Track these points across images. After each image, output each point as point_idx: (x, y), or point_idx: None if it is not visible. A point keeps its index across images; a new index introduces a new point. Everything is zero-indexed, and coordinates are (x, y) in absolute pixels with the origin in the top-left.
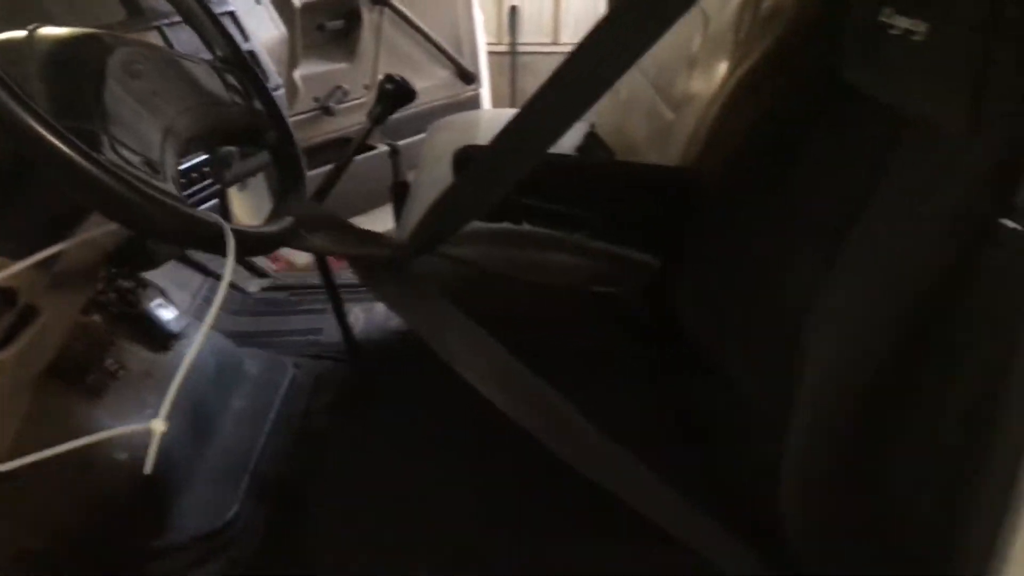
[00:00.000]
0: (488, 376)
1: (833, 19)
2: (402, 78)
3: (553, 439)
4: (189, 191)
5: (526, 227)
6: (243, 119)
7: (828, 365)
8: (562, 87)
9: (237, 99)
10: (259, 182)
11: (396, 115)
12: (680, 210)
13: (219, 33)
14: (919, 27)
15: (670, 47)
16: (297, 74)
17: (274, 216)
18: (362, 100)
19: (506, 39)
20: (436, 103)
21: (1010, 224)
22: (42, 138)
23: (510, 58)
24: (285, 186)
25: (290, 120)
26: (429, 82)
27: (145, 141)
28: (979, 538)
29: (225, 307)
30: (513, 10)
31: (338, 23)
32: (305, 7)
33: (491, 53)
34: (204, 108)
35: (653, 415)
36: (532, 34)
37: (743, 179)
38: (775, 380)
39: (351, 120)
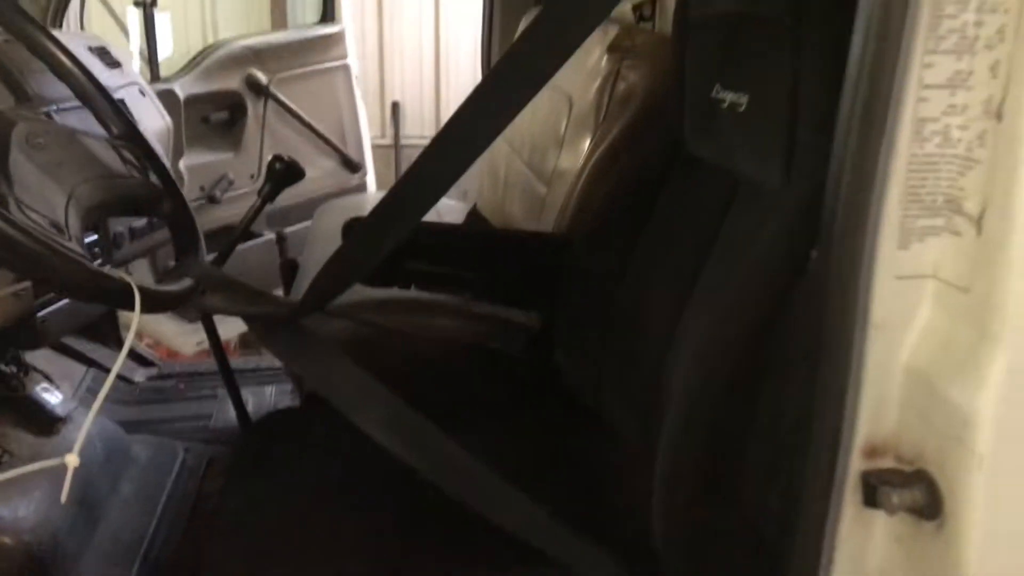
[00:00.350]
0: (383, 423)
1: (677, 98)
2: (291, 158)
3: (446, 480)
4: None
5: (414, 291)
6: (140, 189)
7: (684, 392)
8: (433, 160)
9: (134, 172)
10: (144, 270)
11: (284, 203)
12: (555, 272)
13: (114, 113)
14: (741, 99)
15: (541, 129)
16: (183, 164)
17: (173, 278)
18: (248, 190)
19: (390, 132)
20: (322, 192)
21: (814, 254)
22: None
23: (394, 151)
24: (182, 250)
25: None
26: (315, 171)
27: (50, 206)
28: (807, 543)
29: (112, 397)
30: (395, 106)
31: (223, 115)
32: (190, 99)
33: (376, 147)
34: (104, 179)
35: (538, 461)
36: (414, 127)
37: (608, 240)
38: (646, 417)
39: (237, 209)
